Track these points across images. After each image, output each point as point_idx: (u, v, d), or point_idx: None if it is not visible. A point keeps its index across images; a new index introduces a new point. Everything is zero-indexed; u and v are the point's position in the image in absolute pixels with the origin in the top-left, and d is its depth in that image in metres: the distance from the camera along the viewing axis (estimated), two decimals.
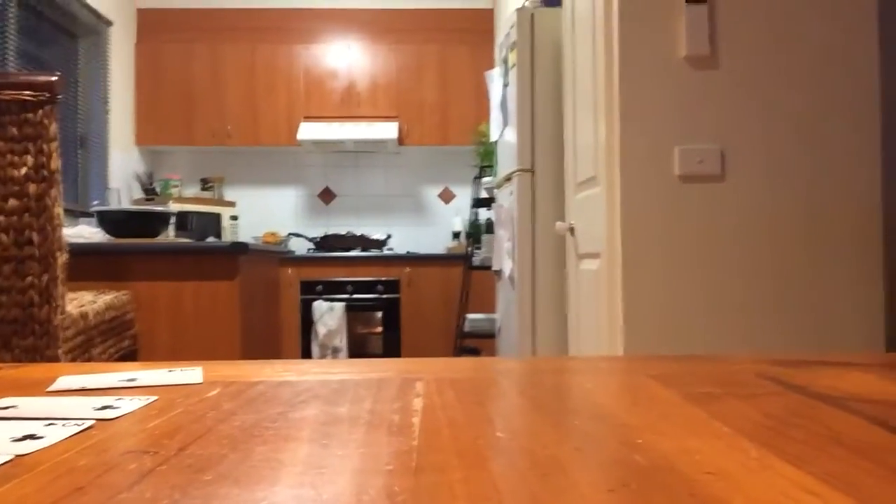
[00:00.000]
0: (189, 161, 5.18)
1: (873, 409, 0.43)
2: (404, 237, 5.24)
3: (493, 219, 3.51)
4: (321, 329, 4.45)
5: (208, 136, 4.87)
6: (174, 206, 4.24)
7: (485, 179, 3.83)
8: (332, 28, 5.05)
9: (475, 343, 4.01)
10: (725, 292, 1.82)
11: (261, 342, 2.58)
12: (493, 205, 3.59)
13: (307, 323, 4.52)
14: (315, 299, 4.51)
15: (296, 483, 0.30)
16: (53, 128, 1.39)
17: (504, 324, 3.10)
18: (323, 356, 4.43)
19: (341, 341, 4.48)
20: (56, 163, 1.39)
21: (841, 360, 0.65)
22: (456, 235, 5.05)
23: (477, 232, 4.06)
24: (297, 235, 5.00)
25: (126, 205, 4.36)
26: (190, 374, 0.57)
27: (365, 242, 4.86)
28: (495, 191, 3.39)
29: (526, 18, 2.71)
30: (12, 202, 1.36)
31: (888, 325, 1.83)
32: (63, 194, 1.44)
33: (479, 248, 3.97)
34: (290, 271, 4.54)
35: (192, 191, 4.92)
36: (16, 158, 1.36)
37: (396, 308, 4.63)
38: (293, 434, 0.39)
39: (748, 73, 1.84)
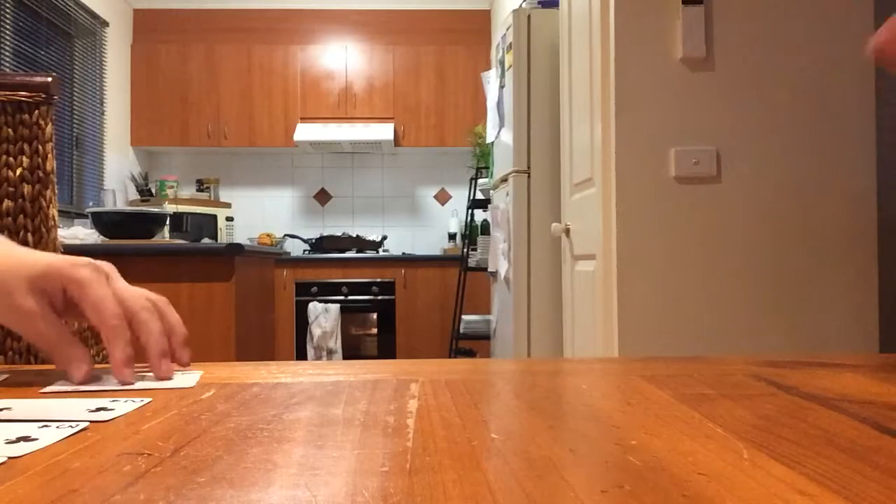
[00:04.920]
0: (185, 162, 5.17)
1: (866, 410, 0.43)
2: (400, 238, 5.24)
3: (489, 220, 3.51)
4: (316, 330, 4.45)
5: (204, 137, 4.86)
6: (169, 208, 4.24)
7: (481, 181, 3.83)
8: (328, 29, 5.05)
9: (470, 345, 4.01)
10: (720, 294, 1.83)
11: (255, 344, 2.58)
12: (489, 206, 3.59)
13: (302, 324, 4.51)
14: (310, 301, 4.51)
15: (290, 484, 0.30)
16: (49, 129, 1.39)
17: (499, 325, 3.11)
18: (318, 358, 4.42)
19: (336, 343, 4.47)
20: (51, 164, 1.39)
21: (834, 361, 0.65)
22: (452, 237, 5.05)
23: (473, 233, 4.06)
24: (293, 237, 5.00)
25: (121, 206, 4.35)
26: (187, 377, 0.57)
27: (360, 244, 4.86)
28: (491, 192, 3.39)
29: (522, 20, 2.71)
30: (7, 203, 1.36)
31: (882, 326, 1.84)
32: (58, 195, 1.43)
33: (474, 250, 3.97)
34: (285, 273, 4.53)
35: (188, 192, 4.91)
36: (11, 159, 1.35)
37: (391, 309, 4.62)
38: (288, 435, 0.39)
39: (744, 74, 1.85)
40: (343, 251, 4.80)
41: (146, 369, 0.57)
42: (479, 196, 3.88)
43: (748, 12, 1.85)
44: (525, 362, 0.68)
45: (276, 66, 4.92)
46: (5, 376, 0.58)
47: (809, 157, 1.85)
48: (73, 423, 0.41)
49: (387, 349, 4.62)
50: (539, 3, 2.84)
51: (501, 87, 2.96)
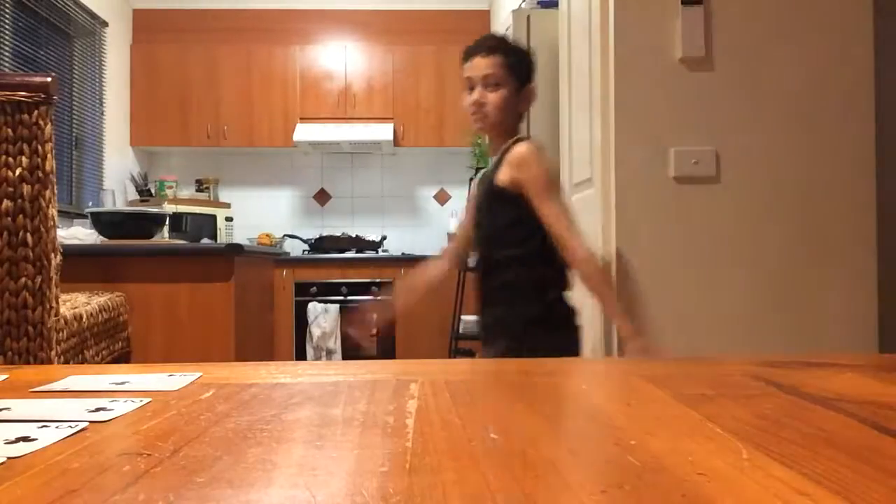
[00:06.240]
0: (184, 162, 5.17)
1: (864, 410, 0.43)
2: (399, 238, 5.24)
3: None
4: (315, 331, 4.45)
5: (203, 137, 4.86)
6: (169, 208, 4.23)
7: None
8: (328, 29, 5.05)
9: (470, 345, 4.01)
10: (720, 294, 1.83)
11: (255, 344, 2.58)
12: None
13: (301, 325, 4.51)
14: (309, 301, 4.51)
15: (290, 484, 0.30)
16: (48, 129, 1.38)
17: None
18: (317, 358, 4.42)
19: (335, 343, 4.47)
20: (50, 164, 1.39)
21: (833, 361, 0.65)
22: (451, 237, 5.05)
23: None
24: (292, 237, 5.00)
25: (120, 206, 4.35)
26: (190, 379, 0.57)
27: (360, 244, 4.86)
28: None
29: (522, 20, 2.71)
30: (6, 203, 1.36)
31: (881, 326, 1.84)
32: (57, 195, 1.43)
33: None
34: (284, 273, 4.53)
35: (187, 192, 4.91)
36: (10, 159, 1.35)
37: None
38: (287, 436, 0.39)
39: (743, 74, 1.85)
40: (342, 251, 4.80)
41: (144, 370, 0.57)
42: None
43: (748, 12, 1.85)
44: (524, 362, 0.68)
45: (275, 67, 4.92)
46: (5, 376, 0.58)
47: (809, 157, 1.85)
48: (73, 424, 0.41)
49: (386, 349, 4.62)
50: (539, 3, 2.84)
51: None
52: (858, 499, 0.28)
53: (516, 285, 1.61)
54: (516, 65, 1.65)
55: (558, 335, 1.62)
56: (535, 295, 1.62)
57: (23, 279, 1.36)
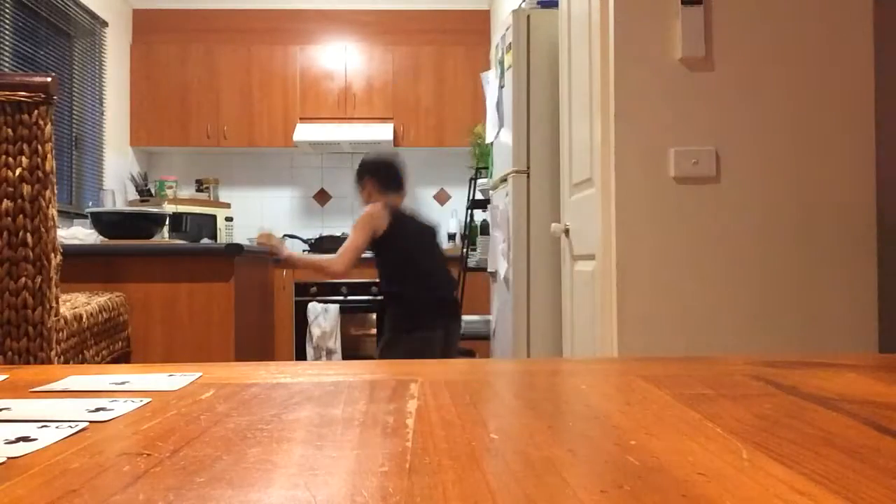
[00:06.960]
0: (184, 162, 5.17)
1: (864, 410, 0.43)
2: None
3: (489, 220, 3.51)
4: (315, 331, 4.45)
5: (203, 138, 4.86)
6: (169, 208, 4.23)
7: (480, 181, 3.83)
8: (328, 29, 5.05)
9: (470, 345, 4.01)
10: (719, 294, 1.83)
11: (255, 344, 2.58)
12: (488, 206, 3.59)
13: (301, 325, 4.51)
14: (309, 301, 4.51)
15: (290, 485, 0.30)
16: (48, 129, 1.38)
17: (499, 325, 3.10)
18: (317, 358, 4.42)
19: (335, 343, 4.47)
20: (50, 164, 1.39)
21: (833, 361, 0.65)
22: (451, 237, 5.05)
23: (472, 233, 4.06)
24: (292, 237, 4.99)
25: (120, 206, 4.35)
26: (190, 379, 0.57)
27: None
28: (491, 192, 3.39)
29: (522, 20, 2.71)
30: (6, 203, 1.36)
31: (881, 326, 1.84)
32: (57, 195, 1.43)
33: (474, 250, 3.96)
34: (284, 273, 4.53)
35: (187, 192, 4.91)
36: (10, 159, 1.35)
37: None
38: (287, 436, 0.39)
39: (743, 74, 1.85)
40: None
41: (144, 370, 0.57)
42: (479, 196, 3.88)
43: (748, 12, 1.85)
44: (524, 362, 0.68)
45: (275, 67, 4.92)
46: (5, 376, 0.58)
47: (809, 157, 1.85)
48: (73, 424, 0.41)
49: None
50: (539, 3, 2.84)
51: (501, 87, 2.96)
52: (858, 499, 0.28)
53: (384, 297, 2.70)
54: (357, 182, 2.75)
55: (412, 334, 2.55)
56: (393, 305, 2.65)
57: (23, 279, 1.36)
